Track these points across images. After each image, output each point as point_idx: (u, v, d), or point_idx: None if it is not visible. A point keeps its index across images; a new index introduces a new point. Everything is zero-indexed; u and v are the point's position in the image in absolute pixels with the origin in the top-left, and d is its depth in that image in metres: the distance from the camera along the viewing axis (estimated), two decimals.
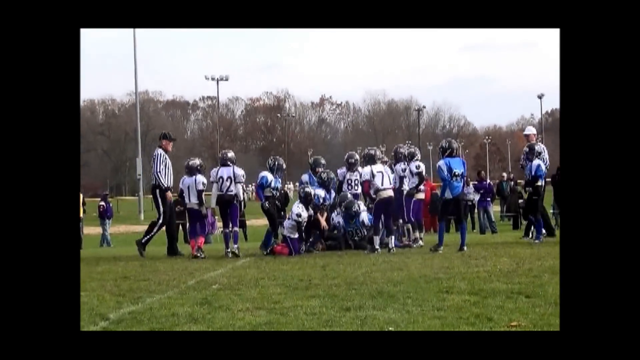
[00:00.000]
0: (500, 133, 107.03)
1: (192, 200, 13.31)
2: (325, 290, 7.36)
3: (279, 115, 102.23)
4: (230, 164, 13.25)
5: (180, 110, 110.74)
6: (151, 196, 14.49)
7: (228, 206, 13.16)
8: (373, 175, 12.70)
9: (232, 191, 13.11)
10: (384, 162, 13.70)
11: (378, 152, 13.46)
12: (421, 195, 13.91)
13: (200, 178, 13.28)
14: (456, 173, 12.27)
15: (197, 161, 13.74)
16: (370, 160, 12.98)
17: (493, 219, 23.67)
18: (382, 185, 12.67)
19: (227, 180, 13.11)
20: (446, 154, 12.45)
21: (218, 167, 13.39)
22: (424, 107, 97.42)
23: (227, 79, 71.51)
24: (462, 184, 12.49)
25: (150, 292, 7.77)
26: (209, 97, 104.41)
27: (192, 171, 13.38)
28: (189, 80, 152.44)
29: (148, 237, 13.75)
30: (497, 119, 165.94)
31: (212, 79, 70.95)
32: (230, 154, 13.59)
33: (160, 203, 13.65)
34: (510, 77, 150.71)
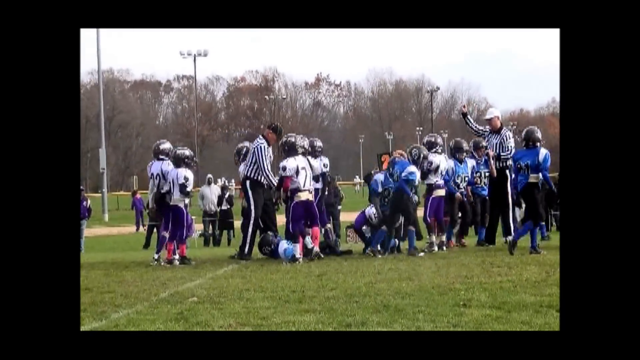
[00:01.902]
0: (528, 118, 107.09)
1: (175, 197, 13.30)
2: (322, 304, 7.38)
3: (267, 97, 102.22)
4: (165, 157, 13.39)
5: (151, 91, 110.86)
6: (242, 190, 14.01)
7: (166, 206, 13.32)
8: (297, 172, 12.67)
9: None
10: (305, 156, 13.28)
11: (301, 141, 13.22)
12: (441, 192, 13.94)
13: (183, 172, 13.20)
14: (520, 165, 12.53)
15: (186, 152, 13.48)
16: (292, 150, 12.86)
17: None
18: (303, 185, 12.68)
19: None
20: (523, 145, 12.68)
21: (152, 162, 13.55)
22: (438, 88, 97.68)
23: (205, 55, 71.48)
24: (524, 177, 12.52)
25: (116, 306, 7.79)
26: (185, 76, 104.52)
27: (177, 162, 13.29)
28: (161, 57, 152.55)
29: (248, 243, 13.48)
30: (525, 101, 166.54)
31: (188, 54, 70.91)
32: (164, 146, 13.67)
33: (251, 198, 13.39)
34: (539, 52, 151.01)
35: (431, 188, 13.82)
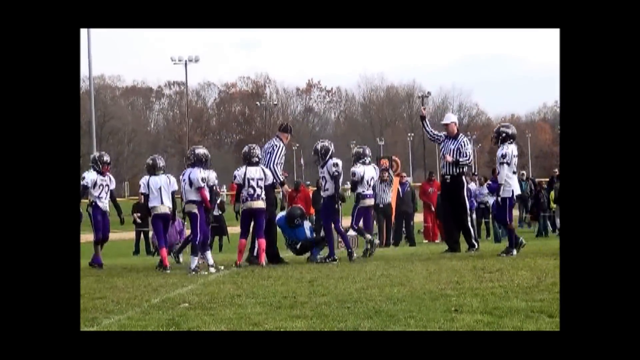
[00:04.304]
0: (519, 124, 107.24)
1: (165, 204, 13.54)
2: (314, 310, 7.38)
3: (258, 103, 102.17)
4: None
5: (143, 98, 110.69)
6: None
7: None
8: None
9: None
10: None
11: (203, 151, 13.48)
12: (368, 202, 14.19)
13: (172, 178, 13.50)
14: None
15: (159, 161, 14.00)
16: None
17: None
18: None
19: None
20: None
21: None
22: (429, 93, 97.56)
23: (197, 61, 71.47)
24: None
25: (108, 313, 7.77)
26: (176, 82, 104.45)
27: (152, 169, 13.58)
28: (152, 63, 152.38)
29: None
30: (515, 107, 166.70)
31: (180, 60, 70.88)
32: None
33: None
34: (531, 56, 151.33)
35: (358, 198, 14.03)
